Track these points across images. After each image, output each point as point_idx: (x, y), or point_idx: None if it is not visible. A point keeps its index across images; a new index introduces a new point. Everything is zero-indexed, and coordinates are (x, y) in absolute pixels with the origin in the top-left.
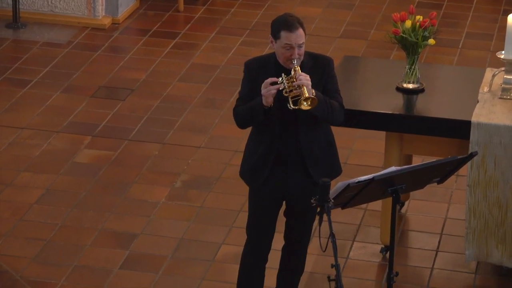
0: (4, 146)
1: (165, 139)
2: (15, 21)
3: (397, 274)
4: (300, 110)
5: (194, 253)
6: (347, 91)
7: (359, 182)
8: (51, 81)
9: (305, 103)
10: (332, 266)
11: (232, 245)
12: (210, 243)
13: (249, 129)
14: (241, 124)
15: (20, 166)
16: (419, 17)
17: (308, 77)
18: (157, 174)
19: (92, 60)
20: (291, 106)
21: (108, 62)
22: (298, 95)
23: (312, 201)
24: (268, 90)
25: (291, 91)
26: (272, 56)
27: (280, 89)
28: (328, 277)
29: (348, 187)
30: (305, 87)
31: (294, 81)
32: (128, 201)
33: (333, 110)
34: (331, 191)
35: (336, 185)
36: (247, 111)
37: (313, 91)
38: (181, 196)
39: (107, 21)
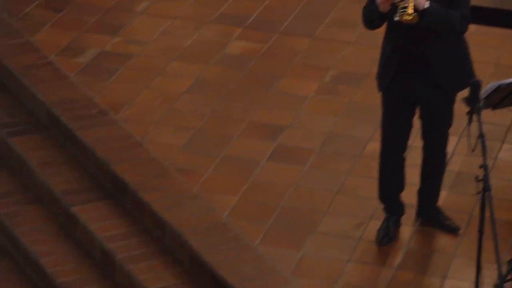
0: (156, 35)
1: (316, 33)
2: None
3: None
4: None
5: (341, 148)
6: None
7: (510, 83)
8: None
9: (406, 17)
10: (480, 166)
11: (379, 141)
12: (358, 138)
13: None
14: (365, 25)
15: (171, 55)
16: None
17: None
18: (307, 68)
19: None
20: (396, 17)
21: None
22: (405, 7)
23: (462, 101)
24: None
25: (400, 1)
26: None
27: None
28: (476, 177)
29: (499, 88)
30: (412, 1)
31: None
32: (277, 94)
33: (449, 23)
34: (481, 92)
35: (487, 86)
36: (368, 13)
37: (426, 3)
38: (330, 90)
39: None
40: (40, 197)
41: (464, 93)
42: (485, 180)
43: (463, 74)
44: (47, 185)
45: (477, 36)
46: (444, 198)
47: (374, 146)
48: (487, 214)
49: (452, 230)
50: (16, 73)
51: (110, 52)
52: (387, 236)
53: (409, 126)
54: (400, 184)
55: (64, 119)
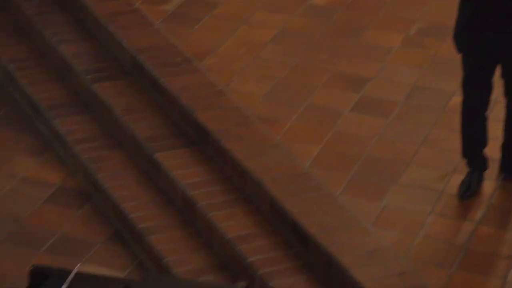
0: None
1: None
2: None
3: None
4: None
5: (426, 101)
6: None
7: None
8: None
9: None
10: None
11: None
12: (442, 91)
13: None
14: None
15: (257, 5)
16: None
17: None
18: (392, 20)
19: None
20: None
21: None
22: None
23: None
24: None
25: None
26: None
27: None
28: None
29: None
30: None
31: None
32: (362, 45)
33: None
34: None
35: None
36: None
37: None
38: (416, 42)
39: None
40: (123, 142)
41: None
42: None
43: None
44: (130, 131)
45: None
46: None
47: (459, 100)
48: None
49: None
50: (101, 20)
51: (196, 0)
52: (470, 190)
53: (490, 86)
54: (483, 141)
55: (149, 66)
